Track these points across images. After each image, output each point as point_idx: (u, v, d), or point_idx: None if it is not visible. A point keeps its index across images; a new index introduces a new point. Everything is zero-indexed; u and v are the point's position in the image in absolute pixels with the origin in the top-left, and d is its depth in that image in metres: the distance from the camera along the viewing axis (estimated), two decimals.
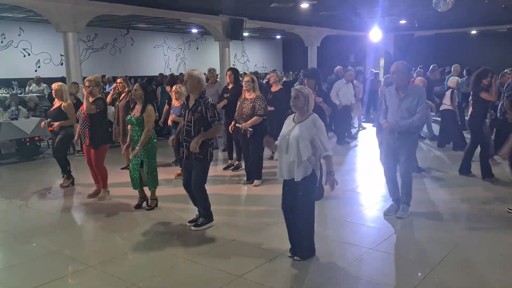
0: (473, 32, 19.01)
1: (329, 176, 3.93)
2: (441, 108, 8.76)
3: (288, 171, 3.92)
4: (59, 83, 6.60)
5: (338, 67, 11.60)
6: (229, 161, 7.67)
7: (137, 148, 5.35)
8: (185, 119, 4.72)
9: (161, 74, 15.42)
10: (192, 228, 4.88)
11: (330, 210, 5.54)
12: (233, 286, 3.65)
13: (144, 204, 5.66)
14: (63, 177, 6.77)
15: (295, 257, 4.08)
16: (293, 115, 4.07)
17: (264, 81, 17.26)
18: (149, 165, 5.45)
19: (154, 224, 5.10)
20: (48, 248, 4.50)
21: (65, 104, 6.44)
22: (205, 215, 4.92)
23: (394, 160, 5.09)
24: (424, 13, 14.25)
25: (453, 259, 4.05)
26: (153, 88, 5.69)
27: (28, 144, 9.09)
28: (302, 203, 3.97)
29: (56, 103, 6.56)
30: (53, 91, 6.53)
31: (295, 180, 3.88)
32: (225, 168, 7.58)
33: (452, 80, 8.97)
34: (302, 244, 4.07)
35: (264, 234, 4.74)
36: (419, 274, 3.79)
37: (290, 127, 3.96)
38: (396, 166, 5.14)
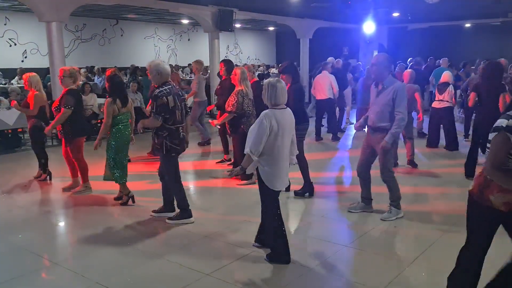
0: (467, 25, 18.89)
1: (238, 167, 3.80)
2: (441, 105, 8.13)
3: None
4: (28, 74, 6.46)
5: (331, 58, 11.32)
6: (224, 156, 7.55)
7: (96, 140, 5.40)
8: None
9: None
10: (167, 220, 4.83)
11: (308, 206, 5.44)
12: (199, 285, 3.54)
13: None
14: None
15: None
16: None
17: (256, 73, 17.20)
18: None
19: (128, 220, 4.97)
20: (15, 244, 4.38)
21: (31, 94, 6.32)
22: (181, 209, 4.85)
23: (365, 156, 4.95)
24: (417, 5, 14.10)
25: (428, 257, 3.96)
26: (119, 79, 5.55)
27: (10, 135, 8.95)
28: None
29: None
30: (25, 82, 6.42)
31: None
32: (218, 162, 7.52)
33: (447, 75, 8.37)
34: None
35: (239, 231, 4.62)
36: (392, 272, 3.69)
37: None
38: (367, 162, 4.98)
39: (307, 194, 5.65)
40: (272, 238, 3.90)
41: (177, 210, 4.88)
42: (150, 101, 4.72)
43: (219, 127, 6.09)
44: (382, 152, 4.70)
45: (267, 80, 3.81)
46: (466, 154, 6.60)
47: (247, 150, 3.64)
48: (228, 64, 7.30)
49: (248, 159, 3.68)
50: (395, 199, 4.89)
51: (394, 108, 4.59)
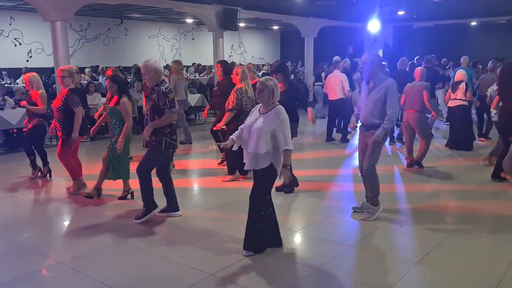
0: (473, 23, 18.74)
1: (284, 169, 3.82)
2: (454, 104, 8.04)
3: (249, 160, 3.91)
4: (29, 75, 6.45)
5: (337, 57, 11.11)
6: (222, 155, 7.51)
7: (119, 140, 5.24)
8: (146, 108, 4.83)
9: None
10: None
11: (313, 205, 5.40)
12: (203, 285, 3.51)
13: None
14: (36, 169, 6.69)
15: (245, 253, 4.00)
16: (259, 105, 4.01)
17: (260, 73, 17.16)
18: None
19: (132, 220, 4.92)
20: (20, 243, 4.37)
21: (36, 93, 6.31)
22: (145, 204, 4.84)
23: (364, 155, 4.90)
24: (422, 4, 14.01)
25: (434, 257, 3.91)
26: (121, 78, 5.54)
27: (15, 135, 8.97)
28: (257, 194, 3.96)
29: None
30: (25, 82, 6.43)
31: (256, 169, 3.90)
32: (219, 163, 7.43)
33: (460, 73, 8.21)
34: (249, 236, 4.01)
35: (244, 231, 4.58)
36: (397, 272, 3.66)
37: (254, 118, 3.93)
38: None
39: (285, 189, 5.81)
40: (264, 229, 3.98)
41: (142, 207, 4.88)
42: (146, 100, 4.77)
43: (224, 127, 6.07)
44: (371, 148, 4.73)
45: (267, 80, 3.89)
46: (479, 155, 6.81)
47: (289, 147, 3.76)
48: (224, 65, 7.28)
49: (288, 155, 3.79)
50: (374, 195, 4.86)
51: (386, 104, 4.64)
